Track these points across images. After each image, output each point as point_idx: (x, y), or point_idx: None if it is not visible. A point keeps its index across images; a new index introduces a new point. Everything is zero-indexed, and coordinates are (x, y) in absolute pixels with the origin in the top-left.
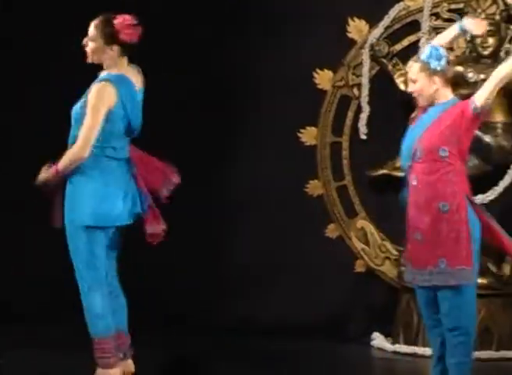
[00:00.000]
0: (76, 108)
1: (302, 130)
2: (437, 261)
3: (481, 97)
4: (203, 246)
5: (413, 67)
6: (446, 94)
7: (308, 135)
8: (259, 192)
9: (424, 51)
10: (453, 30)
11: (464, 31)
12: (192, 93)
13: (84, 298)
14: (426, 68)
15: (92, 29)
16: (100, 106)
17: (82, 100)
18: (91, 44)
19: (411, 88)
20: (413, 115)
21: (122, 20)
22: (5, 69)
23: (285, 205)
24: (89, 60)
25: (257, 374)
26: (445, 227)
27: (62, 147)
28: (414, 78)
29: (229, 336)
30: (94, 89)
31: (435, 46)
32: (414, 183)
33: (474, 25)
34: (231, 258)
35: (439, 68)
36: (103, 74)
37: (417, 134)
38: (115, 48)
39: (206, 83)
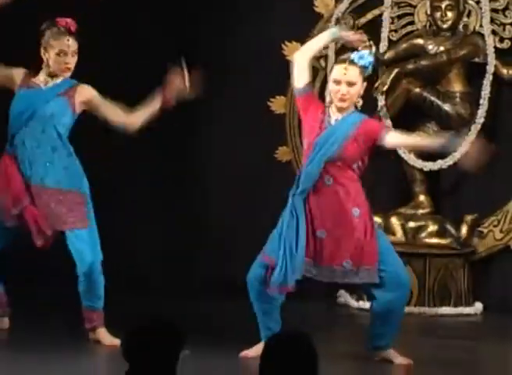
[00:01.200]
0: (60, 109)
1: (272, 100)
2: (342, 261)
3: (394, 140)
4: (172, 209)
5: (352, 70)
6: None
7: (278, 104)
8: (232, 157)
9: (363, 57)
10: (324, 38)
11: (335, 39)
12: (165, 64)
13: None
14: (363, 73)
15: (74, 39)
16: None
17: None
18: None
19: (346, 90)
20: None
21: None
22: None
23: (256, 170)
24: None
25: (228, 333)
26: (353, 231)
27: None
28: (355, 81)
29: (197, 297)
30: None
31: (369, 53)
32: (329, 183)
33: (349, 39)
34: (201, 221)
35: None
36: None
37: (335, 141)
38: None
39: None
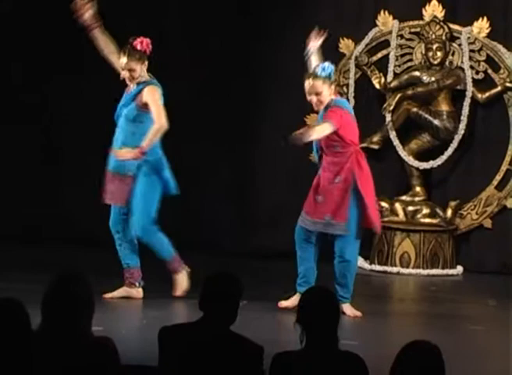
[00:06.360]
0: (129, 110)
1: (307, 116)
2: (324, 215)
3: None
4: (234, 194)
5: (317, 82)
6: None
7: (311, 120)
8: (275, 161)
9: (324, 68)
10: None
11: None
12: (218, 79)
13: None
14: (327, 81)
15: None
16: (159, 99)
17: (133, 104)
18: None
19: (316, 99)
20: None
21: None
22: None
23: (294, 170)
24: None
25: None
26: (334, 193)
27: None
28: (320, 91)
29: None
30: (151, 89)
31: (328, 65)
32: (321, 165)
33: None
34: (258, 202)
35: (334, 79)
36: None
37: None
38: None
39: (230, 70)
